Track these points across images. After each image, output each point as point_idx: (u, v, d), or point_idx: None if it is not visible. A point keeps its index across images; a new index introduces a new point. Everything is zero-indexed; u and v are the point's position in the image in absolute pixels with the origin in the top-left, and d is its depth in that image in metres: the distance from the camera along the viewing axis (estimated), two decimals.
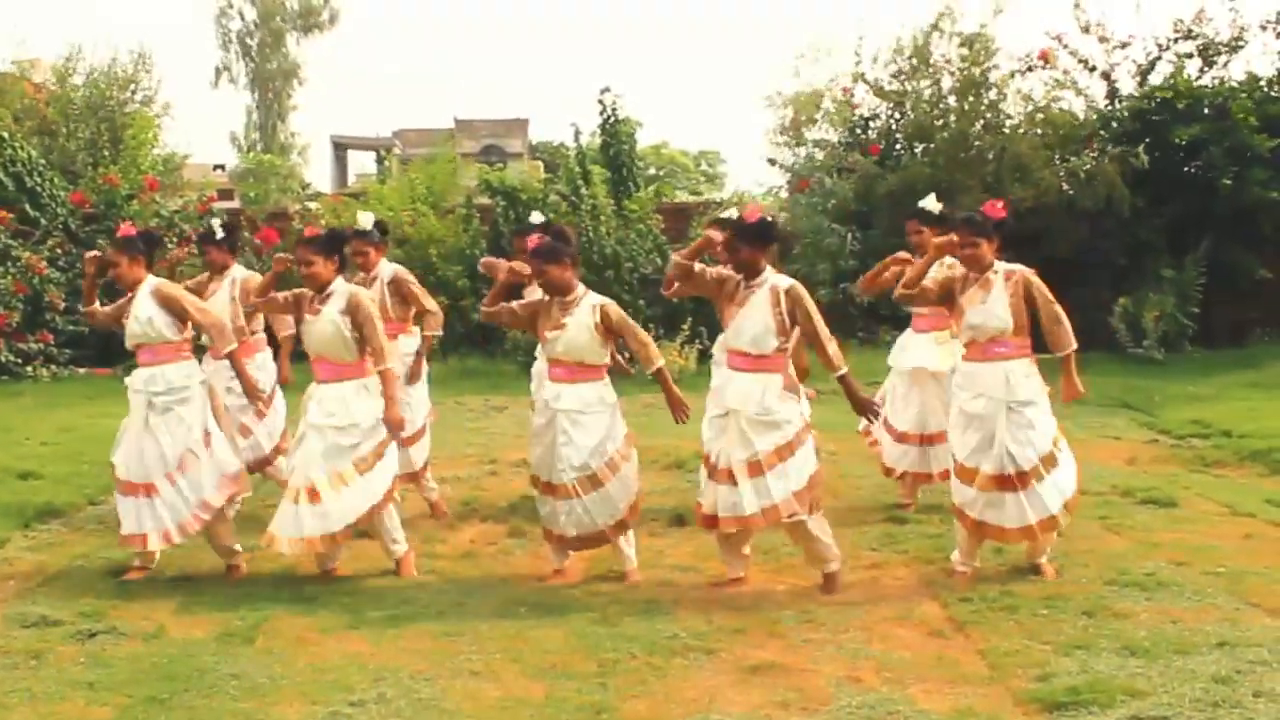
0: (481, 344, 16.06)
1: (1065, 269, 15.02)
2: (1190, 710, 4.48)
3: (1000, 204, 6.48)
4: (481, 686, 4.92)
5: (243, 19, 53.28)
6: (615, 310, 6.40)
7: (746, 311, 6.11)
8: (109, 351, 16.27)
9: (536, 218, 8.04)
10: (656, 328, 15.75)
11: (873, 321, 16.35)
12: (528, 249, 6.54)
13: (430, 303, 8.07)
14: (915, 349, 7.91)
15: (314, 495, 6.30)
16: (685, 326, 15.60)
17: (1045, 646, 5.23)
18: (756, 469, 5.99)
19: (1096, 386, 13.38)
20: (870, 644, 5.37)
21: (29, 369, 15.82)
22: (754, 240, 6.12)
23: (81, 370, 16.28)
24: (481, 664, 5.16)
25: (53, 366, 16.06)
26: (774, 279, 6.16)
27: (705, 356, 15.67)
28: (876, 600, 6.03)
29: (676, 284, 6.47)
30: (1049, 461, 6.20)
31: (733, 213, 6.76)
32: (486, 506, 8.30)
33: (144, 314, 6.63)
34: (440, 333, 8.13)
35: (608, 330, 6.35)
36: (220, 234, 8.41)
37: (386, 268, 8.03)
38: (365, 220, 8.04)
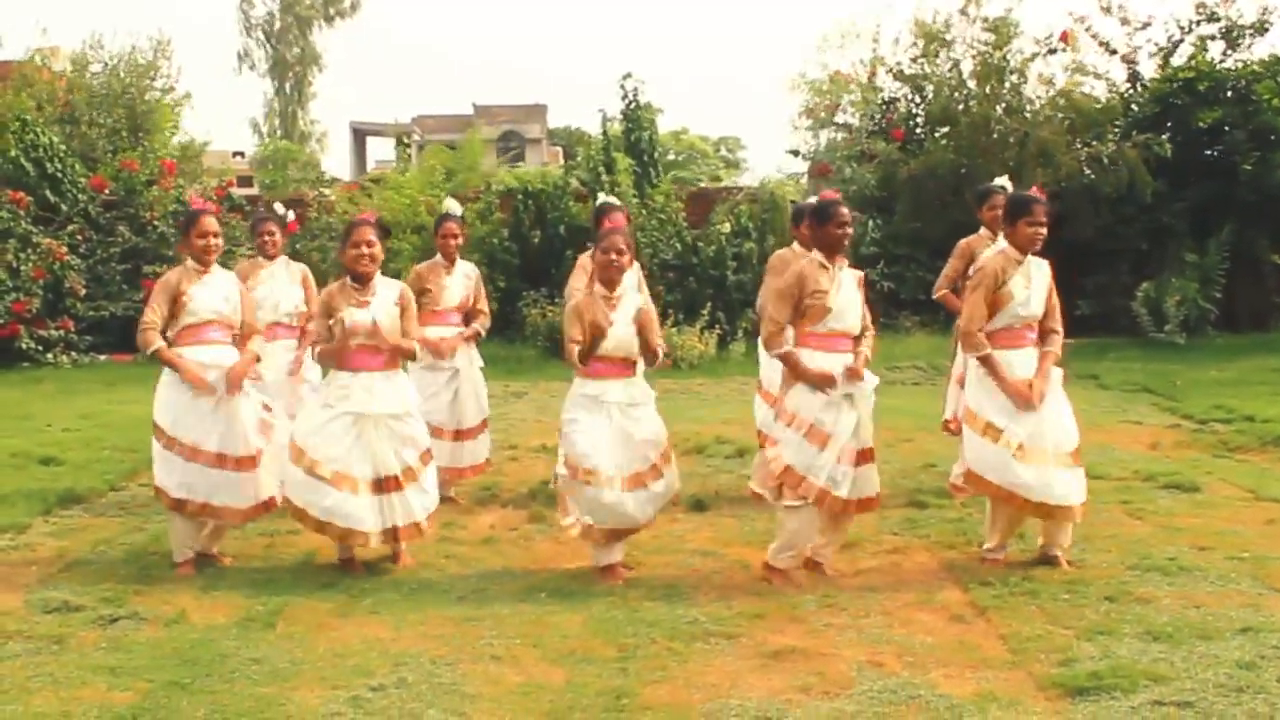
0: (500, 329, 16.07)
1: (1087, 254, 15.01)
2: (1213, 695, 4.46)
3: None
4: (502, 671, 4.92)
5: (267, 1, 53.31)
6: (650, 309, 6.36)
7: (845, 293, 6.09)
8: (129, 338, 16.34)
9: (610, 200, 8.14)
10: (676, 314, 15.75)
11: (893, 307, 16.34)
12: (614, 227, 6.46)
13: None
14: None
15: (397, 484, 6.26)
16: (705, 312, 15.59)
17: (1067, 631, 5.21)
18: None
19: (1118, 372, 13.36)
20: (892, 629, 5.35)
21: (49, 356, 15.91)
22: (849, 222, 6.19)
23: (102, 357, 16.38)
24: (502, 649, 5.17)
25: (73, 353, 16.15)
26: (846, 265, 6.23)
27: (724, 342, 15.74)
28: (898, 585, 6.01)
29: None
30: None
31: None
32: (507, 492, 8.31)
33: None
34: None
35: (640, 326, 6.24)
36: (290, 216, 8.51)
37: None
38: (454, 206, 8.25)
